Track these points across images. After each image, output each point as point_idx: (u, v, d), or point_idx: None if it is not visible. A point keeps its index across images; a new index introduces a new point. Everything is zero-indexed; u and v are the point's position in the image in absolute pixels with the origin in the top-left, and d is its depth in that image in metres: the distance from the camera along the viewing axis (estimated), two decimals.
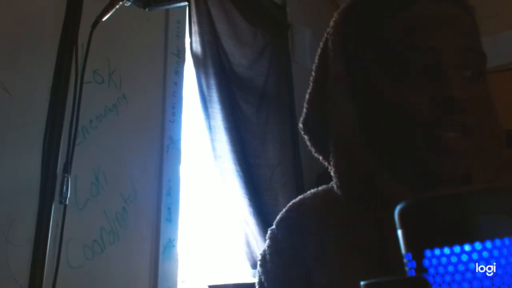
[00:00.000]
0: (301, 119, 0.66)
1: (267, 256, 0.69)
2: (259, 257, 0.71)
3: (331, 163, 0.62)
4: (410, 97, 0.54)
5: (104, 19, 1.11)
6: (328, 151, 0.62)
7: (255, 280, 0.71)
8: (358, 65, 0.59)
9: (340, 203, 0.62)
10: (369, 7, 0.60)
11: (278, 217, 0.71)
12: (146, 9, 1.21)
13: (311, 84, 0.65)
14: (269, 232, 0.71)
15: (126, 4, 1.11)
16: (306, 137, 0.66)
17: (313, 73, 0.65)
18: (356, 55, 0.60)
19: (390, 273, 0.56)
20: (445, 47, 0.53)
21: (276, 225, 0.71)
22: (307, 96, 0.65)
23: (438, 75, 0.53)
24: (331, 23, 0.63)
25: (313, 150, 0.66)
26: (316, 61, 0.65)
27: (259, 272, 0.70)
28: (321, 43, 0.66)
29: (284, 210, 0.71)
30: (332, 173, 0.62)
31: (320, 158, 0.65)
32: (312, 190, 0.71)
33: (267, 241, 0.71)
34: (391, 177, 0.56)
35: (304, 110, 0.66)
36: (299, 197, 0.71)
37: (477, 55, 0.55)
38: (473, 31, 0.57)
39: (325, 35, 0.66)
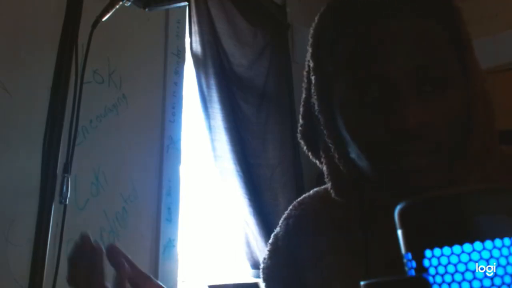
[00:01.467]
0: (299, 124, 0.68)
1: (267, 252, 0.73)
2: (265, 251, 0.74)
3: (324, 171, 0.64)
4: (366, 125, 0.54)
5: (104, 19, 1.11)
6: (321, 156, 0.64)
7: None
8: (326, 78, 0.60)
9: (337, 205, 0.63)
10: (339, 17, 0.58)
11: (283, 216, 0.74)
12: (146, 9, 1.21)
13: (303, 90, 0.66)
14: (276, 230, 0.74)
15: (126, 4, 1.11)
16: (302, 142, 0.67)
17: (304, 79, 0.65)
18: (324, 68, 0.60)
19: (374, 277, 0.57)
20: (394, 73, 0.52)
21: (280, 224, 0.74)
22: (301, 102, 0.66)
23: (390, 103, 0.52)
24: (310, 30, 0.63)
25: (310, 155, 0.67)
26: (306, 67, 0.65)
27: (261, 267, 0.74)
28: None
29: (289, 208, 0.73)
30: (326, 180, 0.64)
31: (317, 162, 0.67)
32: (315, 189, 0.73)
33: (272, 238, 0.74)
34: (373, 186, 0.58)
35: (300, 116, 0.67)
36: (303, 196, 0.73)
37: (437, 66, 0.53)
38: (435, 40, 0.54)
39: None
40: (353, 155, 0.58)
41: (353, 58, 0.55)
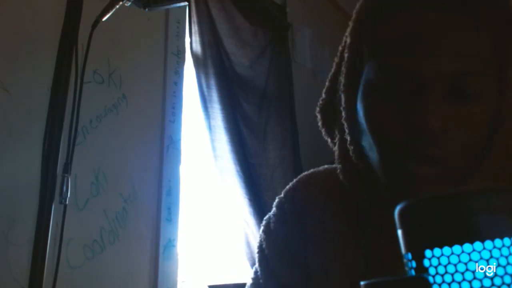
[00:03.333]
0: (320, 98, 0.66)
1: (271, 224, 0.70)
2: (263, 222, 0.72)
3: (336, 153, 0.62)
4: (385, 117, 0.52)
5: (104, 19, 1.11)
6: (334, 136, 0.63)
7: (257, 242, 0.72)
8: (359, 58, 0.58)
9: (345, 187, 0.62)
10: (377, 5, 0.56)
11: (287, 187, 0.71)
12: (146, 9, 1.21)
13: (334, 65, 0.64)
14: (276, 200, 0.72)
15: (126, 4, 1.11)
16: (318, 116, 0.65)
17: (338, 54, 0.63)
18: (360, 47, 0.58)
19: (373, 270, 0.56)
20: (427, 71, 0.49)
21: (284, 194, 0.71)
22: (328, 77, 0.64)
23: (415, 99, 0.49)
24: (352, 19, 0.60)
25: (323, 131, 0.65)
26: (342, 42, 0.63)
27: (261, 237, 0.71)
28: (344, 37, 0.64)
29: (294, 180, 0.71)
30: (336, 162, 0.62)
31: (329, 140, 0.65)
32: (325, 166, 0.71)
33: (274, 209, 0.71)
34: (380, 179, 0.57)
35: (324, 90, 0.65)
36: (311, 170, 0.71)
37: (473, 77, 0.49)
38: (477, 48, 0.50)
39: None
40: (365, 143, 0.56)
41: (391, 43, 0.52)
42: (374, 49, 0.55)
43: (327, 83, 0.65)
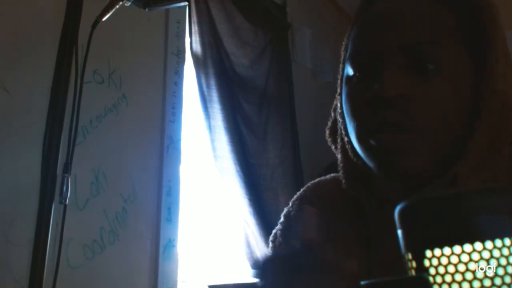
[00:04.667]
0: (330, 117, 0.68)
1: (278, 232, 0.72)
2: (272, 232, 0.73)
3: (338, 161, 0.64)
4: (353, 100, 0.55)
5: (104, 19, 1.11)
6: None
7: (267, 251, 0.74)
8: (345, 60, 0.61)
9: (350, 194, 0.63)
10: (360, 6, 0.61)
11: (295, 196, 0.73)
12: (146, 9, 1.21)
13: (337, 87, 0.67)
14: (285, 210, 0.73)
15: (126, 4, 1.11)
16: (327, 132, 0.68)
17: (338, 76, 0.66)
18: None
19: (376, 272, 0.57)
20: (383, 46, 0.53)
21: (292, 203, 0.73)
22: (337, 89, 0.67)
23: (374, 74, 0.52)
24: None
25: (329, 141, 0.67)
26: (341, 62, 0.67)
27: (270, 246, 0.73)
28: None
29: (302, 189, 0.73)
30: (339, 171, 0.64)
31: (333, 147, 0.67)
32: (332, 174, 0.72)
33: (282, 218, 0.73)
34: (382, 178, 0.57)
35: (331, 111, 0.68)
36: (318, 179, 0.73)
37: (431, 46, 0.52)
38: (434, 21, 0.54)
39: None
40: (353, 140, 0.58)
41: (357, 33, 0.57)
42: (349, 44, 0.59)
43: (333, 105, 0.67)
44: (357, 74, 0.55)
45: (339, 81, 0.62)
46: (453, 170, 0.53)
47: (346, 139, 0.60)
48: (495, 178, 0.54)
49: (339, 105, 0.61)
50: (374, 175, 0.58)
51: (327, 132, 0.67)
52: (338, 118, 0.61)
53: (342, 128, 0.60)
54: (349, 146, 0.59)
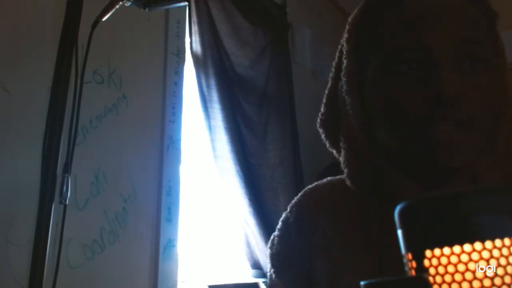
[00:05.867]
0: (319, 113, 0.68)
1: (276, 238, 0.71)
2: (271, 237, 0.73)
3: (342, 157, 0.63)
4: (403, 93, 0.55)
5: (104, 19, 1.11)
6: (340, 145, 0.64)
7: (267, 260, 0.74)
8: (363, 60, 0.60)
9: (351, 195, 0.63)
10: (377, 1, 0.60)
11: (292, 202, 0.73)
12: (146, 9, 1.21)
13: (329, 80, 0.66)
14: (283, 215, 0.73)
15: (126, 4, 1.11)
16: (320, 130, 0.67)
17: (332, 69, 0.66)
18: (362, 50, 0.61)
19: (388, 270, 0.57)
20: (437, 42, 0.53)
21: (290, 209, 0.72)
22: (326, 92, 0.67)
23: (429, 71, 0.53)
24: (348, 20, 0.64)
25: (327, 144, 0.67)
26: (335, 58, 0.66)
27: (268, 252, 0.72)
28: (341, 40, 0.66)
29: (299, 194, 0.72)
30: (343, 168, 0.63)
31: (334, 152, 0.66)
32: (328, 178, 0.72)
33: (279, 223, 0.72)
34: (398, 172, 0.57)
35: (322, 105, 0.67)
36: (315, 183, 0.72)
37: (477, 45, 0.54)
38: (475, 21, 0.55)
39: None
40: (381, 133, 0.58)
41: (395, 27, 0.56)
42: (381, 39, 0.58)
43: (324, 98, 0.67)
44: (405, 69, 0.55)
45: (345, 77, 0.61)
46: (477, 167, 0.54)
47: (360, 137, 0.59)
48: (510, 177, 0.55)
49: (349, 100, 0.60)
50: (390, 169, 0.57)
51: (323, 132, 0.67)
52: (344, 115, 0.60)
53: (357, 121, 0.59)
54: (362, 138, 0.59)
